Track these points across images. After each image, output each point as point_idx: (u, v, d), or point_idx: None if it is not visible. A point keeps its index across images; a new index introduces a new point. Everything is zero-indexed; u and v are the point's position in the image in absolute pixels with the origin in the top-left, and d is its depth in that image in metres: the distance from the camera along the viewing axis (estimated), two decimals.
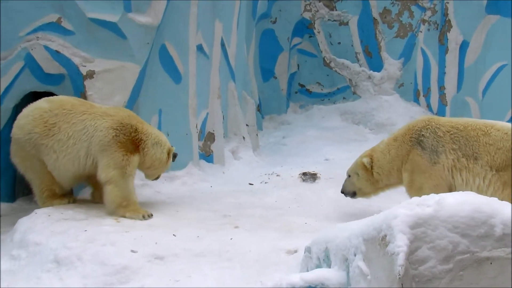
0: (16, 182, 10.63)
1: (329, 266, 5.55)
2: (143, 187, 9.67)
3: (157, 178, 9.21)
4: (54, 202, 8.52)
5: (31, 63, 9.75)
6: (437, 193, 7.51)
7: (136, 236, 7.05)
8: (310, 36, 16.11)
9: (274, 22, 15.85)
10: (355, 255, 5.12)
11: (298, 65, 16.34)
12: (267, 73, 15.84)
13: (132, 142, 8.44)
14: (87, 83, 9.64)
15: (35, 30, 9.72)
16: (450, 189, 7.93)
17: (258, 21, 15.08)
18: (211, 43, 11.32)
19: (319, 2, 15.87)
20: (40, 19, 9.69)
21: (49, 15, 9.67)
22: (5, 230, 8.46)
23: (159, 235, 7.12)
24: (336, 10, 15.85)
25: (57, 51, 9.68)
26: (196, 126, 10.96)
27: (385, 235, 4.81)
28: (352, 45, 15.84)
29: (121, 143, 8.32)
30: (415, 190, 8.06)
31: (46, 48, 9.68)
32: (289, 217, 8.42)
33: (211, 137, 11.47)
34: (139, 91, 10.06)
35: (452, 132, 7.99)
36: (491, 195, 7.44)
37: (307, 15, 15.93)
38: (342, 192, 8.87)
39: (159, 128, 10.27)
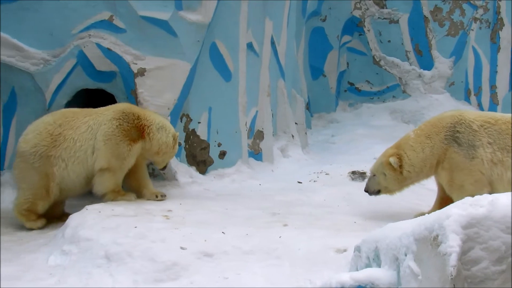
0: None
1: (379, 265, 5.49)
2: (192, 184, 9.73)
3: (165, 167, 9.28)
4: (28, 223, 8.62)
5: (83, 61, 9.88)
6: (478, 189, 7.58)
7: (185, 233, 7.06)
8: (360, 34, 16.03)
9: (324, 20, 15.80)
10: (405, 255, 5.06)
11: (347, 63, 16.28)
12: (316, 71, 15.80)
13: (136, 129, 8.66)
14: (138, 80, 9.72)
15: (87, 28, 9.84)
16: (490, 184, 7.87)
17: (308, 19, 15.05)
18: (261, 41, 11.32)
19: (369, 0, 15.77)
20: (92, 17, 9.81)
21: (102, 13, 9.79)
22: (56, 226, 8.59)
23: (208, 232, 7.12)
24: (386, 8, 15.76)
25: (108, 49, 9.78)
26: (246, 124, 10.97)
27: (437, 235, 4.75)
28: (402, 43, 15.73)
29: (125, 131, 8.57)
30: (457, 188, 7.97)
31: (98, 45, 9.79)
32: (338, 215, 8.37)
33: (260, 135, 11.47)
34: (189, 88, 10.11)
35: (485, 126, 7.91)
36: None
37: (357, 13, 15.86)
38: (366, 191, 8.72)
39: (209, 126, 10.32)
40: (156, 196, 8.83)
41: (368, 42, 15.89)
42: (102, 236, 6.97)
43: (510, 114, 8.29)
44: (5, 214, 9.45)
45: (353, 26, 15.94)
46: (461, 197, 7.58)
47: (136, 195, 8.88)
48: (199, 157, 10.22)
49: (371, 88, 16.08)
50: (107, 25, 9.82)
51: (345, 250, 6.63)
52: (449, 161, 8.01)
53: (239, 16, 10.67)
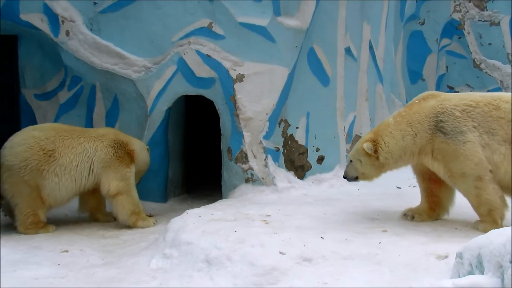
0: (168, 183, 10.95)
1: (482, 272, 5.38)
2: (290, 189, 9.73)
3: (138, 182, 9.89)
4: (39, 231, 8.88)
5: (183, 67, 10.04)
6: (481, 171, 7.42)
7: (284, 238, 7.05)
8: (460, 37, 15.75)
9: (423, 24, 15.60)
10: (511, 262, 4.94)
11: (446, 67, 16.00)
12: (415, 75, 15.60)
13: (127, 154, 9.34)
14: (236, 86, 9.81)
15: (187, 35, 10.01)
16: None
17: (406, 22, 14.89)
18: (359, 45, 11.26)
19: (469, 2, 15.49)
20: (192, 24, 9.98)
21: (201, 20, 9.94)
22: (157, 229, 8.74)
23: (307, 237, 7.10)
24: (486, 10, 15.43)
25: (208, 55, 9.91)
26: (344, 129, 10.92)
27: None
28: (503, 46, 15.36)
29: (120, 158, 9.24)
30: (459, 177, 7.66)
31: (198, 52, 9.94)
32: (438, 221, 8.22)
33: (358, 140, 11.40)
34: (287, 94, 10.13)
35: (468, 110, 7.63)
36: (505, 170, 7.39)
37: (456, 16, 15.58)
38: (345, 177, 8.53)
39: (307, 131, 10.33)
40: (153, 223, 9.38)
41: (468, 45, 15.59)
42: (203, 240, 7.04)
43: (489, 94, 8.01)
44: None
45: (453, 29, 15.67)
46: (467, 184, 7.56)
47: (90, 215, 9.76)
48: (298, 162, 10.22)
49: (471, 91, 15.75)
50: (206, 32, 9.96)
51: (446, 257, 6.50)
52: (440, 152, 7.74)
53: (337, 21, 10.63)
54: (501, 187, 7.56)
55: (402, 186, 10.31)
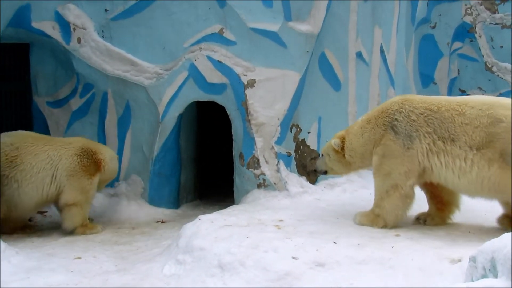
0: (180, 189, 10.97)
1: (495, 276, 5.35)
2: (303, 194, 9.73)
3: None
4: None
5: (194, 73, 10.06)
6: (403, 180, 7.64)
7: (297, 243, 7.05)
8: (471, 41, 15.68)
9: (434, 27, 15.54)
10: None
11: (458, 70, 15.93)
12: (426, 78, 15.54)
13: (94, 164, 9.31)
14: (248, 92, 9.82)
15: (198, 41, 10.04)
16: (425, 173, 7.72)
17: (418, 26, 14.84)
18: (371, 49, 11.23)
19: (481, 5, 15.42)
20: (203, 30, 10.01)
21: (212, 26, 9.97)
22: (170, 235, 8.75)
23: (320, 242, 7.10)
24: (498, 13, 15.36)
25: (219, 61, 9.93)
26: None
27: None
28: None
29: (85, 167, 9.20)
30: (383, 175, 7.88)
31: (209, 58, 9.96)
32: (452, 225, 8.21)
33: None
34: (299, 99, 10.13)
35: (426, 114, 7.65)
36: (477, 175, 7.35)
37: (468, 19, 15.51)
38: (315, 170, 8.87)
39: (319, 135, 10.33)
40: (101, 229, 9.45)
41: (479, 48, 15.52)
42: (216, 245, 7.06)
43: (457, 98, 8.00)
44: (122, 225, 9.74)
45: (464, 32, 15.61)
46: (384, 184, 7.80)
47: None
48: (310, 167, 10.21)
49: (484, 95, 15.68)
50: (217, 37, 9.98)
51: (460, 261, 6.49)
52: (383, 148, 7.88)
53: (348, 25, 10.62)
54: (474, 190, 7.60)
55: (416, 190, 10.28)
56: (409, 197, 7.83)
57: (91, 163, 9.25)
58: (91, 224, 9.40)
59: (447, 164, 7.51)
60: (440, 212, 8.28)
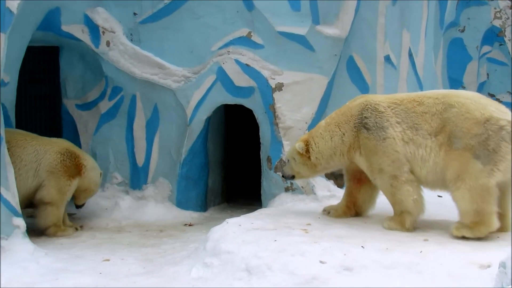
0: (207, 193, 10.99)
1: None
2: (330, 198, 9.70)
3: (83, 204, 10.04)
4: None
5: (222, 77, 10.08)
6: (396, 169, 7.77)
7: (324, 247, 7.02)
8: (501, 44, 15.57)
9: (463, 31, 15.45)
10: None
11: (487, 74, 15.83)
12: (455, 82, 15.44)
13: (75, 167, 9.40)
14: (276, 95, 9.82)
15: (226, 45, 10.08)
16: (409, 161, 7.87)
17: (446, 30, 14.76)
18: (399, 53, 11.18)
19: (510, 9, 15.31)
20: (231, 34, 10.04)
21: (240, 29, 9.99)
22: (197, 238, 8.77)
23: (347, 246, 7.06)
24: None
25: (247, 65, 9.94)
26: None
27: None
28: None
29: (66, 167, 9.30)
30: (377, 172, 8.03)
31: (237, 61, 9.98)
32: None
33: None
34: (327, 102, 10.11)
35: (392, 107, 7.96)
36: (434, 161, 7.66)
37: (497, 23, 15.41)
38: (283, 176, 8.99)
39: None
40: (76, 229, 9.65)
41: (509, 52, 15.40)
42: (243, 249, 7.04)
43: (415, 93, 8.35)
44: (149, 227, 9.78)
45: (493, 36, 15.50)
46: (384, 181, 7.92)
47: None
48: (337, 171, 10.18)
49: None
50: (245, 41, 10.01)
51: (489, 266, 6.43)
52: (364, 148, 8.08)
53: (376, 29, 10.58)
54: (431, 181, 7.85)
55: (443, 195, 10.21)
56: (412, 181, 7.92)
57: (72, 165, 9.35)
58: (64, 226, 9.48)
59: (414, 153, 7.80)
60: (346, 209, 8.67)
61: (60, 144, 9.42)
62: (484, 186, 7.36)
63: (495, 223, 7.41)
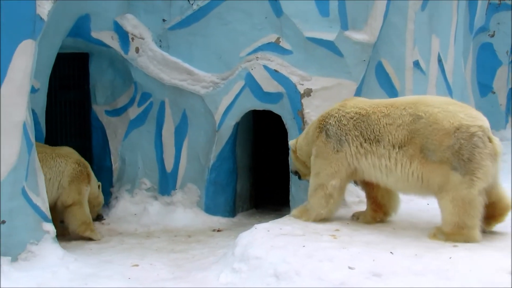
0: (236, 198, 11.00)
1: None
2: (359, 204, 9.66)
3: (98, 216, 10.33)
4: None
5: (251, 82, 10.10)
6: (329, 180, 8.13)
7: (353, 252, 7.00)
8: None
9: (492, 36, 15.36)
10: None
11: None
12: (484, 88, 15.36)
13: (87, 176, 9.74)
14: (304, 101, 9.82)
15: (255, 51, 10.09)
16: (356, 173, 8.15)
17: (476, 34, 14.68)
18: (428, 58, 11.12)
19: None
20: (259, 40, 10.06)
21: (269, 35, 10.00)
22: (226, 244, 8.78)
23: (376, 252, 7.03)
24: None
25: (275, 70, 9.94)
26: None
27: None
28: None
29: (83, 176, 9.65)
30: (314, 174, 8.40)
31: (265, 67, 9.99)
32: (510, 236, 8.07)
33: None
34: None
35: (355, 118, 8.07)
36: (401, 172, 7.70)
37: None
38: (290, 172, 9.59)
39: None
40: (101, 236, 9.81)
41: None
42: (271, 254, 7.04)
43: (386, 100, 8.34)
44: (178, 232, 9.82)
45: None
46: (314, 182, 8.25)
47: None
48: None
49: None
50: (274, 47, 10.02)
51: None
52: (317, 148, 8.35)
53: (405, 34, 10.53)
54: (402, 187, 7.98)
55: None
56: (332, 197, 8.26)
57: (85, 174, 9.69)
58: (94, 227, 9.74)
59: (374, 164, 7.90)
60: (373, 213, 8.62)
61: (73, 155, 9.69)
62: (465, 198, 7.35)
63: (477, 237, 7.44)
